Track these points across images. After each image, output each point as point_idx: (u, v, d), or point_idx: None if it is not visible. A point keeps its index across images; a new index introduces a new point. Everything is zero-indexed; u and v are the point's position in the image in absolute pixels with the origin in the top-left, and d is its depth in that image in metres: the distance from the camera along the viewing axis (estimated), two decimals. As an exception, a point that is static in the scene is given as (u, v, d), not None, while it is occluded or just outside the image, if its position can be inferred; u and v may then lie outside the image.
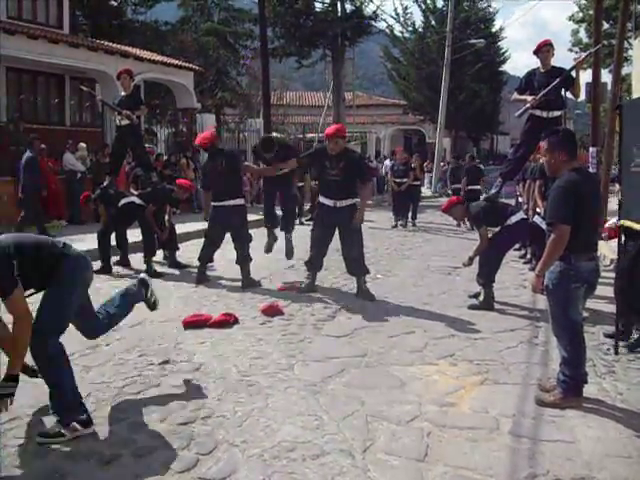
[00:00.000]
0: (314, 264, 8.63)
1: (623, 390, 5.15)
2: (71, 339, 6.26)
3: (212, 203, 8.94)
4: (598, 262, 5.04)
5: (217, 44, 30.53)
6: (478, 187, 16.38)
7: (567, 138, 4.89)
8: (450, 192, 18.29)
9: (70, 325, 6.61)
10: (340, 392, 5.02)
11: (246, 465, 3.83)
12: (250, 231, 9.11)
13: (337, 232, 8.37)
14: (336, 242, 8.54)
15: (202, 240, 9.34)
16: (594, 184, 5.06)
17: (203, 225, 14.37)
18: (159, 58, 20.93)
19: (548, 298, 4.92)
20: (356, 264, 8.38)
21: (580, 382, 4.85)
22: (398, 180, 16.72)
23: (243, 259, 8.87)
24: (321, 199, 8.46)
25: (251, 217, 9.58)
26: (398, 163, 17.33)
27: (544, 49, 8.66)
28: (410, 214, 17.24)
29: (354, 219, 8.16)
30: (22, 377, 5.16)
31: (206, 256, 9.12)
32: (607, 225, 8.91)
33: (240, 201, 8.87)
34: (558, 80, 8.31)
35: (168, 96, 24.27)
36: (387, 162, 24.90)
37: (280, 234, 9.83)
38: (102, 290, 8.58)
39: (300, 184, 17.07)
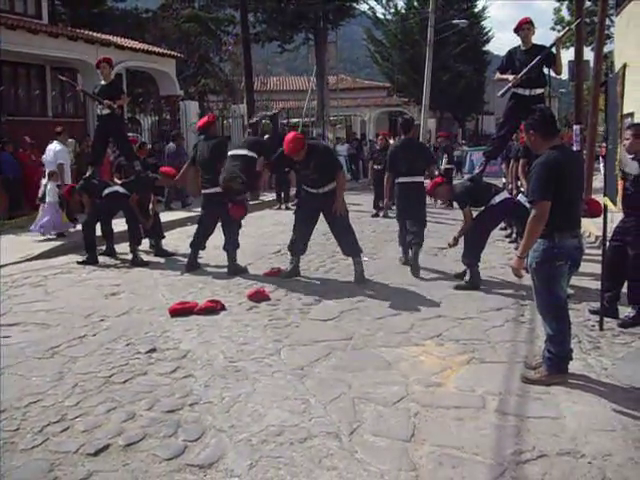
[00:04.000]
0: (296, 248, 8.61)
1: (608, 365, 5.19)
2: (57, 331, 6.29)
3: (202, 190, 8.94)
4: (582, 239, 5.06)
5: (198, 31, 30.31)
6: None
7: (544, 117, 4.89)
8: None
9: (52, 318, 6.64)
10: (327, 375, 5.04)
11: (234, 450, 3.85)
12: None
13: (323, 217, 8.35)
14: (324, 226, 8.55)
15: (187, 228, 9.31)
16: (575, 161, 5.07)
17: (188, 213, 14.42)
18: (140, 46, 20.75)
19: (532, 276, 4.93)
20: (349, 245, 8.35)
21: (565, 358, 4.88)
22: (377, 166, 15.73)
23: (231, 245, 8.83)
24: (303, 186, 8.45)
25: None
26: (377, 148, 16.96)
27: (524, 27, 8.65)
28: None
29: (335, 210, 8.10)
30: (8, 370, 5.18)
31: (199, 242, 9.08)
32: None
33: None
34: (539, 57, 8.31)
35: (151, 84, 24.12)
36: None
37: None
38: (89, 281, 8.58)
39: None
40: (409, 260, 8.89)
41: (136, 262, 9.51)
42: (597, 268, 7.86)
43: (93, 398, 4.66)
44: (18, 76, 18.81)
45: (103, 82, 10.65)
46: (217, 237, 9.01)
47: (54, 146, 11.88)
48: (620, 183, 6.57)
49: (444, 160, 17.86)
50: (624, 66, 5.87)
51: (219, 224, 8.93)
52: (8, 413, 4.41)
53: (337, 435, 4.01)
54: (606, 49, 20.71)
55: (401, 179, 9.06)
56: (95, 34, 19.60)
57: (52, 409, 4.47)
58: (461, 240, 8.15)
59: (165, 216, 12.12)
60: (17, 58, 17.30)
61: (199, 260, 9.32)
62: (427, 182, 8.97)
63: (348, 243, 8.35)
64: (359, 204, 16.83)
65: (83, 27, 21.24)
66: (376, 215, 15.43)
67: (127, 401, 4.59)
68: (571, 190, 4.80)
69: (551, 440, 3.92)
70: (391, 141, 17.05)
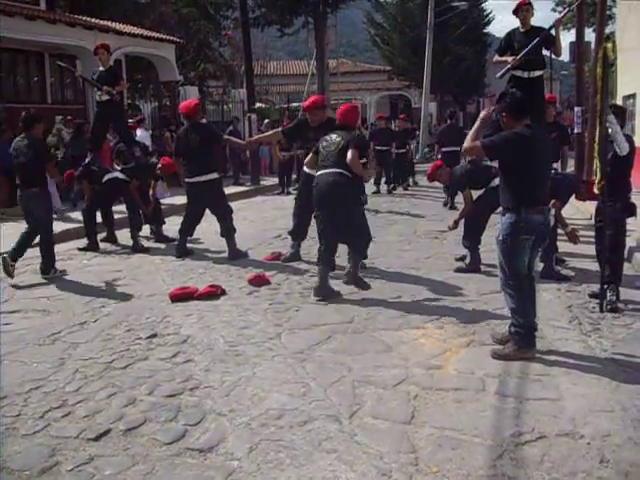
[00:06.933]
0: (298, 233, 8.59)
1: (608, 347, 5.20)
2: (58, 318, 6.30)
3: (186, 179, 8.94)
4: (548, 215, 5.31)
5: (197, 15, 30.08)
6: (387, 148, 16.78)
7: (514, 101, 5.13)
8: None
9: (53, 305, 6.63)
10: (327, 359, 5.05)
11: (234, 434, 3.86)
12: (239, 202, 9.06)
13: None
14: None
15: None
16: (543, 139, 5.25)
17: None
18: (139, 31, 20.59)
19: (498, 249, 5.18)
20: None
21: (531, 329, 5.01)
22: (378, 147, 16.29)
23: (226, 231, 8.83)
24: (306, 169, 8.29)
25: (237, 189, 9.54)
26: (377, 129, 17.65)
27: (523, 8, 8.59)
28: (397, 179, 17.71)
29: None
30: (9, 357, 5.19)
31: (186, 230, 9.06)
32: None
33: (212, 176, 8.75)
34: (537, 39, 8.26)
35: (150, 70, 23.98)
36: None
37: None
38: (89, 267, 8.59)
39: (288, 153, 16.83)
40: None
41: (136, 248, 9.51)
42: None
43: (94, 384, 4.67)
44: (17, 63, 18.69)
45: (101, 68, 10.62)
46: (217, 222, 9.00)
47: (139, 132, 13.41)
48: None
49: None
50: (604, 48, 5.84)
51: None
52: (9, 399, 4.42)
53: (337, 418, 4.02)
54: (608, 30, 20.49)
55: (444, 149, 14.25)
56: (93, 20, 19.42)
57: (53, 395, 4.48)
58: (461, 223, 8.14)
59: (165, 202, 12.10)
60: (15, 45, 17.18)
61: (200, 246, 9.31)
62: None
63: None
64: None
65: (81, 13, 21.06)
66: (376, 192, 16.46)
67: (128, 386, 4.61)
68: (537, 167, 5.01)
69: (550, 421, 3.93)
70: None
